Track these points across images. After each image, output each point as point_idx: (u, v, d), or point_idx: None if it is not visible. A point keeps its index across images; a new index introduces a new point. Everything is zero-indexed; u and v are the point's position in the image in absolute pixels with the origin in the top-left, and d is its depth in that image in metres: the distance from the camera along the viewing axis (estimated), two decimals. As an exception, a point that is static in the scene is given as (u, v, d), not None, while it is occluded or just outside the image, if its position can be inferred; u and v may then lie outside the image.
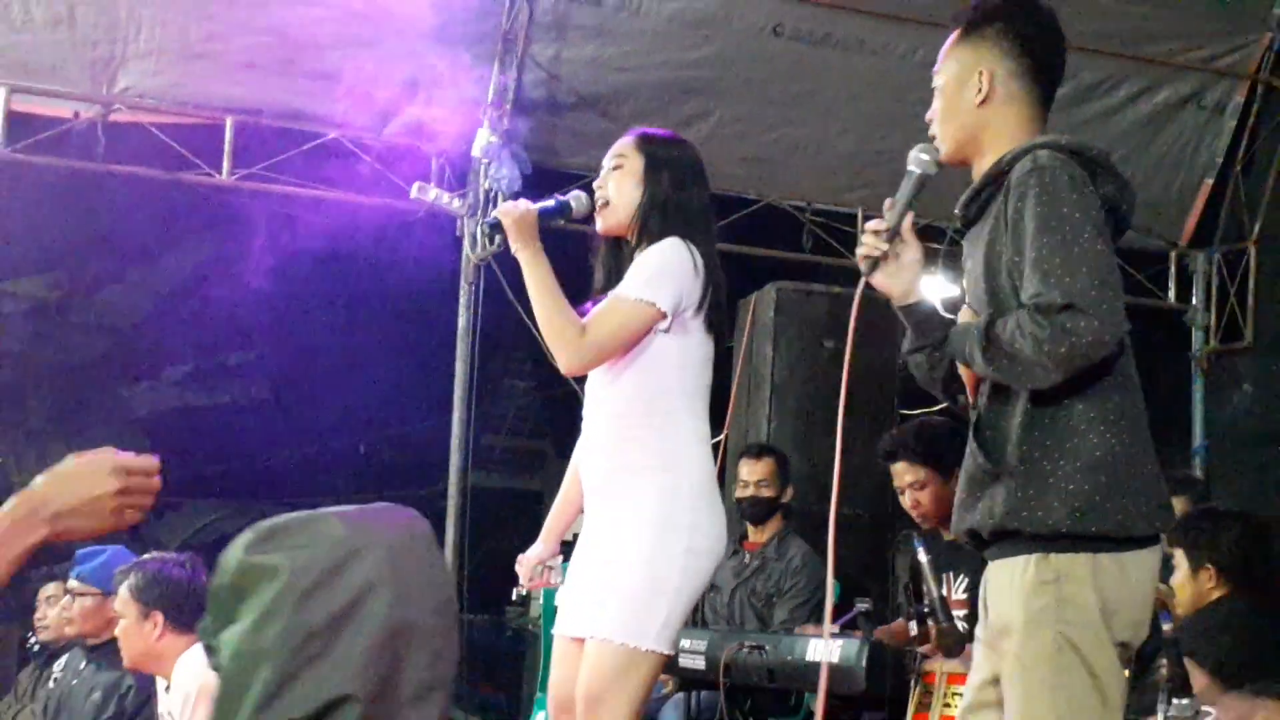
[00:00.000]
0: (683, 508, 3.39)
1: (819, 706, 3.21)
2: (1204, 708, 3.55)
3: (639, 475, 3.42)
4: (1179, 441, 7.76)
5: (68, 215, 7.58)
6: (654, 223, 3.47)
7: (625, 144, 3.57)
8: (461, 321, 6.83)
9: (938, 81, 2.97)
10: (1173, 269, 7.91)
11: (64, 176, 6.78)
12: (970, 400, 2.83)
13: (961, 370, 2.79)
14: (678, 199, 3.49)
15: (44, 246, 8.14)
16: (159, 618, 4.09)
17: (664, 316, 3.36)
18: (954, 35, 2.94)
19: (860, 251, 2.81)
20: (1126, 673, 2.78)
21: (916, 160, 2.80)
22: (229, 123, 6.50)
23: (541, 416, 15.31)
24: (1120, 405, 2.69)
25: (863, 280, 2.82)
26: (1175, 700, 3.49)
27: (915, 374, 2.95)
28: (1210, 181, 7.69)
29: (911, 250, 2.80)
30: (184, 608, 4.06)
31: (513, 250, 3.51)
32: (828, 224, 7.40)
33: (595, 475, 3.52)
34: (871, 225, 2.81)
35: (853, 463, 6.16)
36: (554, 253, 3.51)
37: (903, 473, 4.82)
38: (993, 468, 2.69)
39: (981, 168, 2.91)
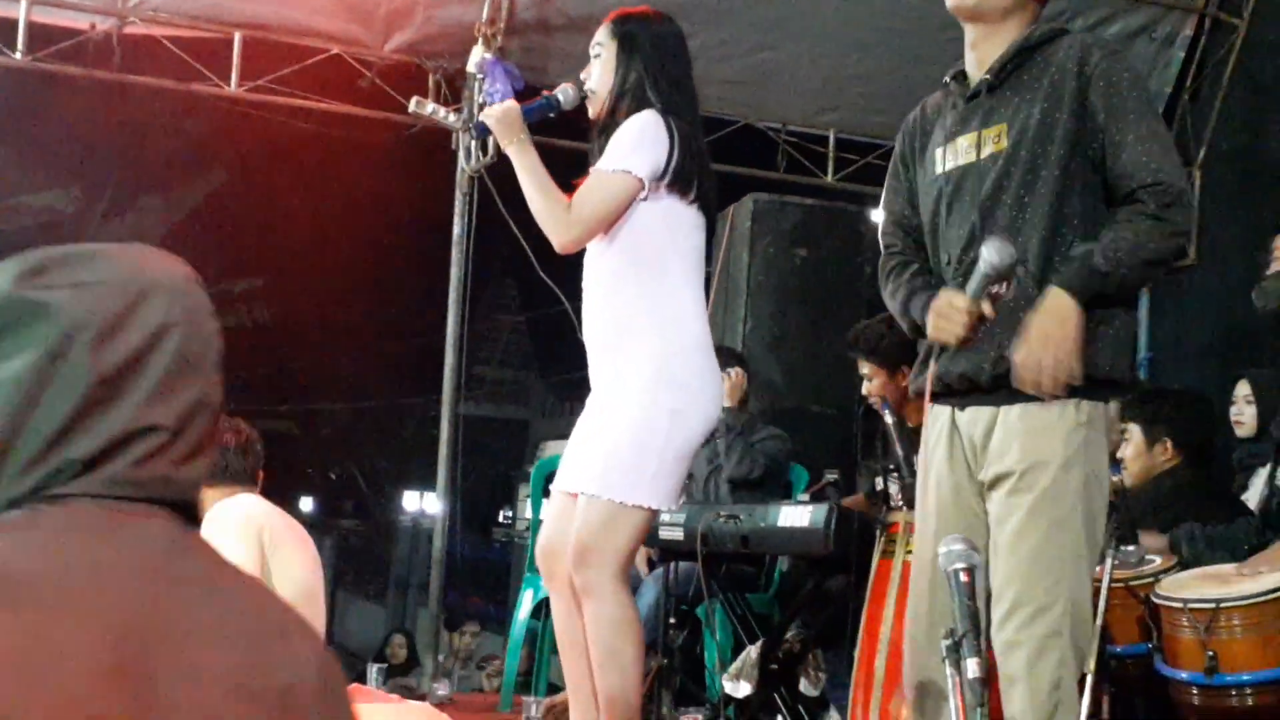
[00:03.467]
0: (674, 368, 3.38)
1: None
2: (1148, 555, 3.67)
3: (633, 337, 3.41)
4: (1126, 354, 7.84)
5: (86, 130, 7.56)
6: (630, 104, 3.45)
7: (602, 31, 3.56)
8: (456, 229, 6.83)
9: None
10: (1123, 192, 7.97)
11: (82, 91, 6.76)
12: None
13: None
14: (652, 78, 3.46)
15: (62, 161, 8.12)
16: None
17: (642, 184, 3.35)
18: None
19: (945, 333, 2.75)
20: None
21: (987, 261, 2.63)
22: (237, 37, 6.49)
23: (528, 350, 15.34)
24: None
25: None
26: (1122, 546, 3.60)
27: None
28: (1160, 110, 7.75)
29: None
30: None
31: (502, 147, 3.51)
32: (801, 144, 7.43)
33: (594, 340, 3.52)
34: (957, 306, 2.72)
35: (824, 363, 6.34)
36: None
37: (860, 366, 5.00)
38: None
39: (994, 39, 2.86)
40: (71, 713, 1.10)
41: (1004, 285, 2.68)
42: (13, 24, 6.18)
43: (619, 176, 3.37)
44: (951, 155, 2.90)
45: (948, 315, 2.73)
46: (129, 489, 1.24)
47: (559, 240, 3.42)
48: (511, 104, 3.52)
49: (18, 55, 6.20)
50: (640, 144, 3.37)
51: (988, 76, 2.85)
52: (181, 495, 1.29)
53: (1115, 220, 2.72)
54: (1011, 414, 2.77)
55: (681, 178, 3.38)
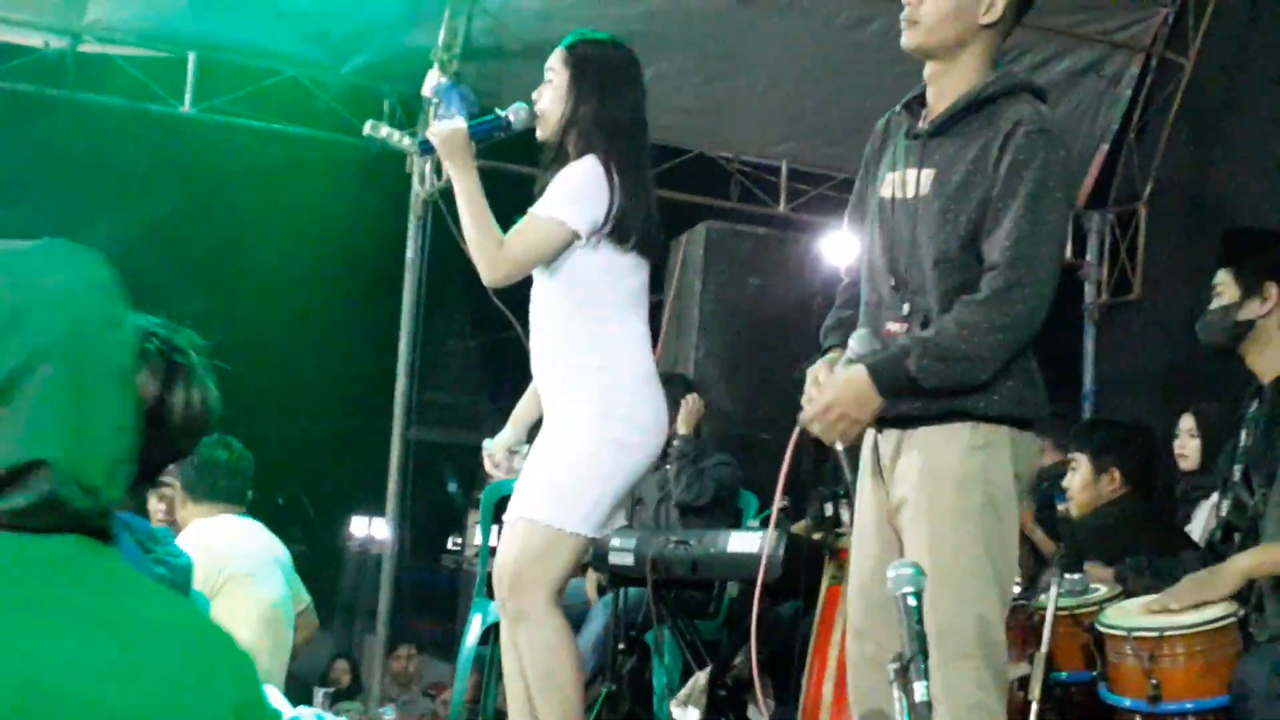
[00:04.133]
0: (619, 403, 3.43)
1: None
2: (1093, 584, 3.69)
3: (579, 374, 3.45)
4: (1070, 388, 7.88)
5: (37, 148, 7.49)
6: (577, 138, 3.46)
7: (556, 56, 3.54)
8: (410, 253, 6.84)
9: None
10: (1069, 227, 8.04)
11: (35, 109, 6.68)
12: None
13: None
14: (600, 112, 3.45)
15: (12, 178, 8.02)
16: None
17: (577, 235, 3.38)
18: None
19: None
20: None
21: (853, 350, 2.80)
22: (192, 57, 6.46)
23: (480, 374, 15.26)
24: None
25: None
26: (1067, 575, 3.62)
27: None
28: (1106, 147, 7.81)
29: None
30: None
31: (444, 168, 3.53)
32: (754, 174, 7.45)
33: (542, 375, 3.56)
34: None
35: (776, 390, 6.34)
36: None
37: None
38: None
39: (947, 78, 2.86)
40: None
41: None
42: (-35, 41, 6.15)
43: (552, 224, 3.39)
44: (892, 184, 2.92)
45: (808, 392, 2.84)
46: (26, 519, 1.19)
47: (486, 276, 3.44)
48: (459, 124, 3.51)
49: (-31, 73, 6.16)
50: (579, 196, 3.39)
51: (928, 127, 2.87)
52: (87, 524, 1.23)
53: (960, 300, 2.73)
54: (914, 437, 2.80)
55: (620, 229, 3.40)
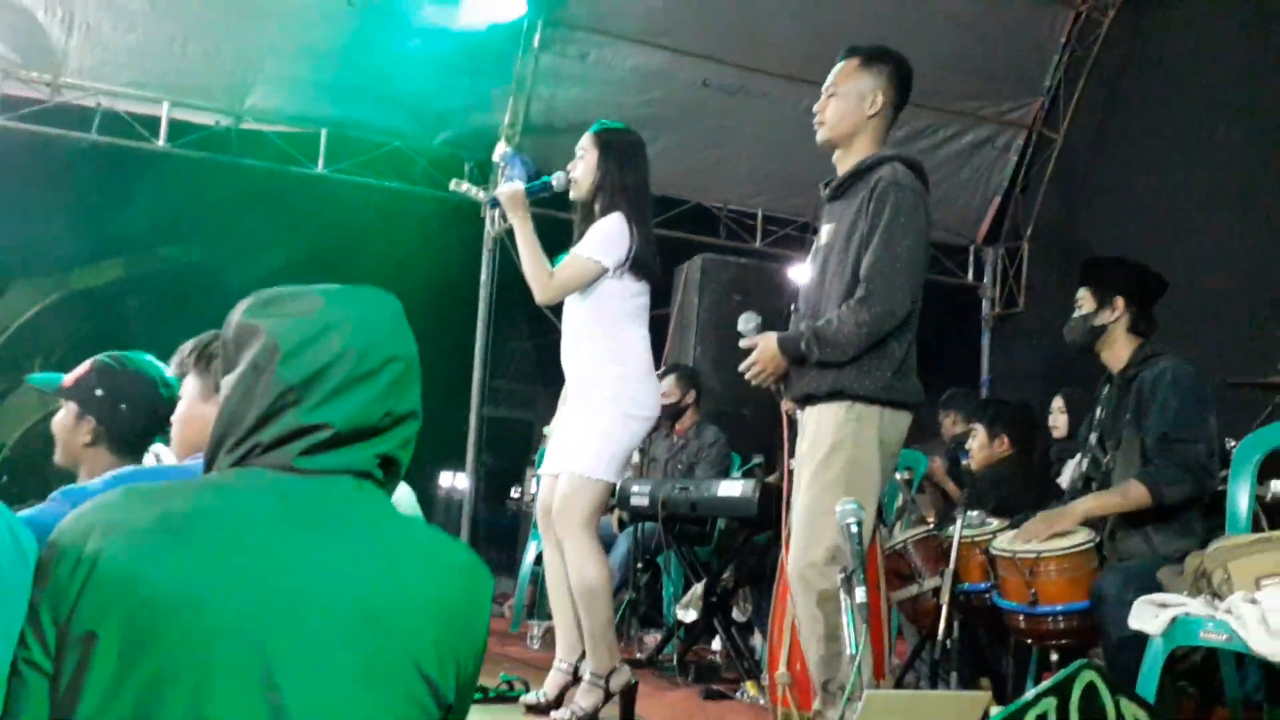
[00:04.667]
0: (628, 387, 3.49)
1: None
2: (987, 520, 3.70)
3: (598, 368, 3.52)
4: (972, 377, 7.91)
5: (206, 202, 7.53)
6: (604, 198, 3.52)
7: (587, 139, 3.61)
8: (483, 276, 6.87)
9: (834, 88, 3.00)
10: (971, 258, 8.02)
11: (205, 169, 6.71)
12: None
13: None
14: (622, 180, 3.52)
15: (188, 222, 8.07)
16: None
17: (606, 270, 3.46)
18: (854, 61, 3.00)
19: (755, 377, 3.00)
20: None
21: (742, 328, 3.02)
22: (324, 132, 6.51)
23: (535, 366, 15.23)
24: (904, 334, 2.90)
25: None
26: (970, 513, 3.63)
27: None
28: (999, 199, 7.82)
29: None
30: None
31: (507, 218, 3.57)
32: (737, 218, 7.46)
33: (572, 369, 3.62)
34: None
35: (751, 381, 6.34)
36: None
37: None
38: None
39: (848, 158, 2.99)
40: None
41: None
42: (157, 119, 6.18)
43: (590, 262, 3.47)
44: (820, 234, 3.05)
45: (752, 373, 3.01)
46: (304, 465, 1.22)
47: (539, 297, 3.53)
48: (518, 185, 3.58)
49: (159, 143, 6.19)
50: (609, 242, 3.47)
51: (828, 191, 3.01)
52: (355, 469, 1.24)
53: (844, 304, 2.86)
54: (812, 413, 2.92)
55: (638, 264, 3.49)
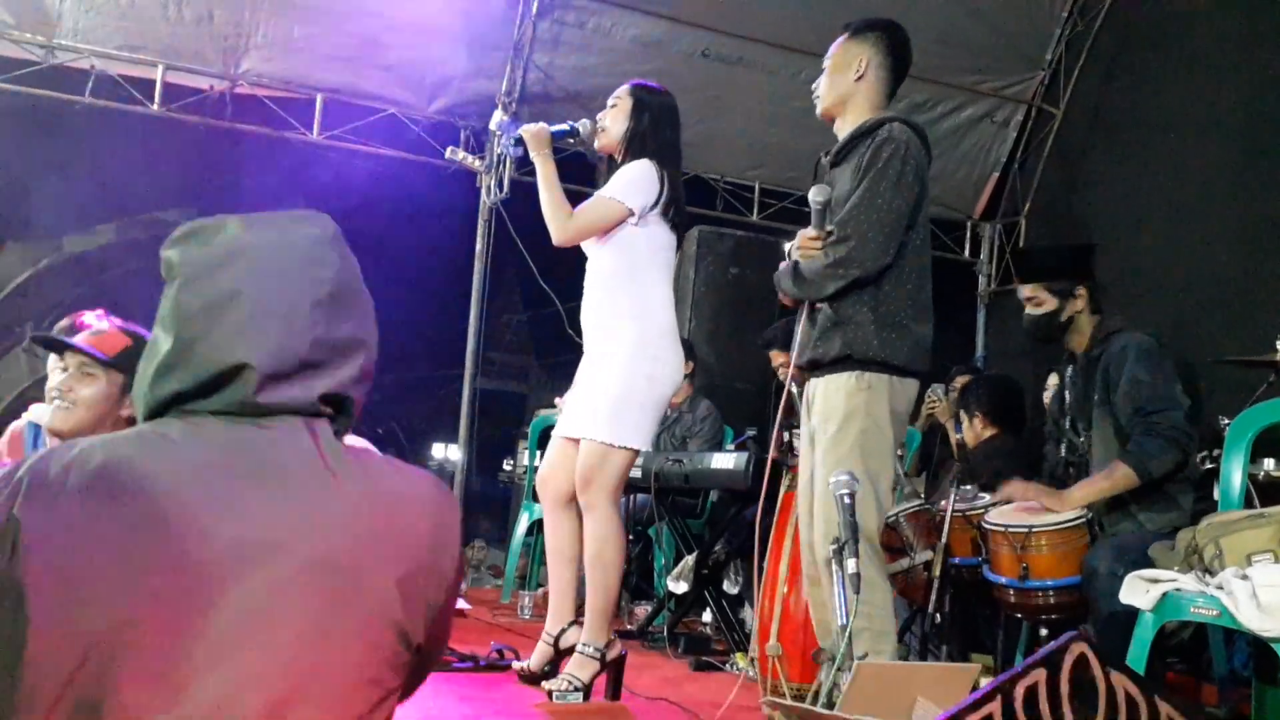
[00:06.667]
0: (650, 346, 3.35)
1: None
2: (980, 495, 3.71)
3: (619, 323, 3.37)
4: (967, 352, 7.90)
5: (201, 166, 7.47)
6: (634, 148, 3.42)
7: (622, 90, 3.51)
8: (478, 247, 6.82)
9: (827, 63, 3.05)
10: (968, 234, 7.98)
11: (199, 135, 6.65)
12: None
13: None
14: (653, 133, 3.42)
15: (185, 187, 8.01)
16: None
17: (631, 213, 3.32)
18: (844, 35, 3.03)
19: (809, 254, 2.92)
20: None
21: (813, 199, 2.92)
22: (319, 99, 6.45)
23: (528, 339, 15.21)
24: (912, 293, 2.89)
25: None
26: (961, 488, 3.64)
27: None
28: (996, 174, 7.76)
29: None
30: None
31: (530, 156, 3.44)
32: (734, 191, 7.41)
33: (590, 322, 3.47)
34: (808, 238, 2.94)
35: (747, 352, 6.35)
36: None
37: (775, 357, 4.99)
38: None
39: (845, 125, 3.02)
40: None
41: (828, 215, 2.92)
42: (152, 83, 6.12)
43: (612, 203, 3.34)
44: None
45: (805, 244, 2.92)
46: (246, 408, 1.14)
47: (556, 236, 3.38)
48: (543, 125, 3.48)
49: (154, 107, 6.14)
50: (635, 184, 3.35)
51: (830, 159, 3.03)
52: (298, 409, 1.16)
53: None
54: (820, 384, 2.92)
55: (669, 208, 3.38)
